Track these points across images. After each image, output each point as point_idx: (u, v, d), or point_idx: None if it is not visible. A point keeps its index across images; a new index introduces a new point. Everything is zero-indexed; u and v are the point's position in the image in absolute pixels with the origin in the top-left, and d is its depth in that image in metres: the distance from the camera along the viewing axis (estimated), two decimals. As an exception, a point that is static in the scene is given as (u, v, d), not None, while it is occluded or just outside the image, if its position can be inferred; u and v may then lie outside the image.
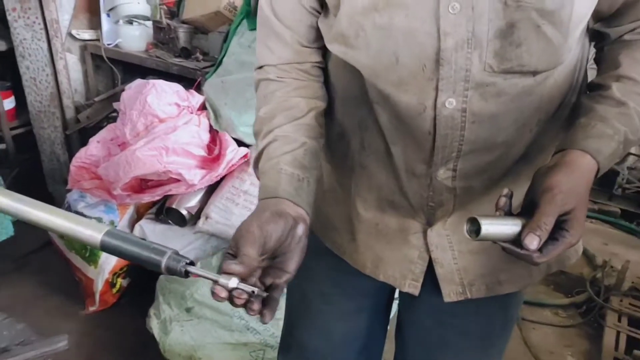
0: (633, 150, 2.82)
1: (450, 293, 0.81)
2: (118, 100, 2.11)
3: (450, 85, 0.65)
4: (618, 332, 1.90)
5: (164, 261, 0.56)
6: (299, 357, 1.01)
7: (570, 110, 0.75)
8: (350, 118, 0.78)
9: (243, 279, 0.57)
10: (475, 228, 0.60)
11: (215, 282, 0.56)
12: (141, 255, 0.58)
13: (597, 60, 0.75)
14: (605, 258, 2.34)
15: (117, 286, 1.97)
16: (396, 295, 0.99)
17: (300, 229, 0.63)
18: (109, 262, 1.88)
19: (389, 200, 0.79)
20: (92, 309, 1.98)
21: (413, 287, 0.82)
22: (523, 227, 0.59)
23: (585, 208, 0.62)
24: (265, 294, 0.58)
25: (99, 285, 1.91)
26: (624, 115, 0.65)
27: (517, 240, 0.60)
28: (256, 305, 0.56)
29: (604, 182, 3.01)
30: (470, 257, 0.79)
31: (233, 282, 0.55)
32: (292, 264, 0.62)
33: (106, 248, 0.59)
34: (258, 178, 0.72)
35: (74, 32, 2.40)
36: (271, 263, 0.62)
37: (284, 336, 1.06)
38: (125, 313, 1.98)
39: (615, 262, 2.30)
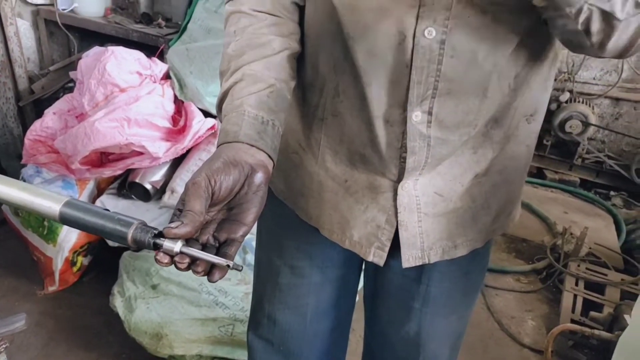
0: (593, 120, 2.91)
1: (409, 258, 0.80)
2: (74, 69, 2.00)
3: (432, 13, 0.63)
4: (575, 296, 1.99)
5: (130, 233, 0.52)
6: (269, 333, 0.99)
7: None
8: (325, 61, 0.75)
9: (191, 237, 0.53)
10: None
11: (160, 246, 0.52)
12: (105, 227, 0.53)
13: None
14: (565, 226, 2.42)
15: (78, 265, 1.89)
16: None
17: (259, 178, 0.59)
18: (68, 240, 1.81)
19: (361, 154, 0.76)
20: (51, 288, 1.90)
21: (378, 256, 0.81)
22: None
23: None
24: (212, 259, 0.52)
25: (59, 264, 1.84)
26: None
27: None
28: (200, 267, 0.53)
29: (565, 153, 3.10)
30: (433, 220, 0.79)
31: (177, 246, 0.52)
32: (249, 215, 0.58)
33: (66, 220, 0.55)
34: (221, 122, 0.68)
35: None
36: (227, 215, 0.58)
37: (253, 311, 1.04)
38: (87, 292, 1.92)
39: (575, 230, 2.39)
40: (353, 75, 0.71)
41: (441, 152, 0.74)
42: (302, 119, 0.82)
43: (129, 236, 0.52)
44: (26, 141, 1.82)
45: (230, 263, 0.51)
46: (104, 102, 1.71)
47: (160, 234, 0.53)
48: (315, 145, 0.81)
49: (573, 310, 1.91)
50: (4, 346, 0.61)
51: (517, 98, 0.73)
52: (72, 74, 1.99)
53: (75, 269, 1.89)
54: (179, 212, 0.54)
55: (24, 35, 2.29)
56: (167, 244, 0.52)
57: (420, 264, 0.80)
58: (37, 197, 0.56)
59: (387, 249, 0.80)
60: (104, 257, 1.91)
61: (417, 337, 0.90)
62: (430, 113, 0.70)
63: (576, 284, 2.06)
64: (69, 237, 1.80)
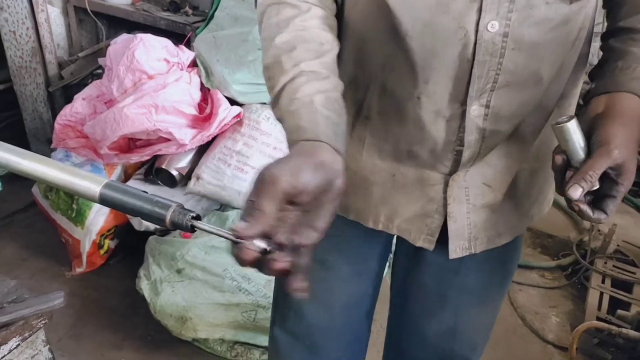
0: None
1: (456, 249, 0.80)
2: (103, 56, 2.02)
3: (495, 6, 0.62)
4: (601, 293, 1.95)
5: (168, 215, 0.53)
6: (296, 326, 0.98)
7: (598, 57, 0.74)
8: (373, 59, 0.72)
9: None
10: (563, 120, 0.62)
11: (233, 241, 0.49)
12: (143, 208, 0.54)
13: (611, 5, 0.73)
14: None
15: (105, 247, 1.93)
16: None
17: (339, 184, 0.54)
18: (96, 223, 1.85)
19: (408, 150, 0.75)
20: (79, 270, 1.95)
21: (428, 241, 0.80)
22: (582, 162, 0.61)
23: (636, 156, 0.62)
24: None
25: (86, 247, 1.88)
26: None
27: (567, 164, 0.62)
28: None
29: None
30: (480, 211, 0.79)
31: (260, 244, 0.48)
32: (323, 222, 0.52)
33: (106, 201, 0.56)
34: (278, 119, 0.64)
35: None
36: (298, 218, 0.52)
37: (277, 304, 1.02)
38: (113, 274, 1.96)
39: (602, 226, 2.34)
40: (405, 72, 0.69)
41: (493, 143, 0.74)
42: (348, 110, 0.80)
43: (167, 218, 0.53)
44: (56, 126, 1.86)
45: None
46: (132, 88, 1.73)
47: (198, 217, 0.54)
48: (358, 141, 0.79)
49: (599, 308, 1.88)
50: (43, 322, 0.63)
51: (562, 83, 0.73)
52: (100, 61, 2.02)
53: (102, 251, 1.93)
54: (251, 202, 0.50)
55: (54, 22, 2.33)
56: (200, 225, 0.53)
57: (467, 254, 0.80)
58: (77, 178, 0.57)
59: (436, 235, 0.79)
60: (130, 240, 1.95)
61: (453, 327, 0.90)
62: (487, 106, 0.69)
63: (602, 282, 2.02)
64: (97, 220, 1.84)
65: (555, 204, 2.61)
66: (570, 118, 0.61)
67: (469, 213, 0.78)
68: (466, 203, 0.77)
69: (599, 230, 2.30)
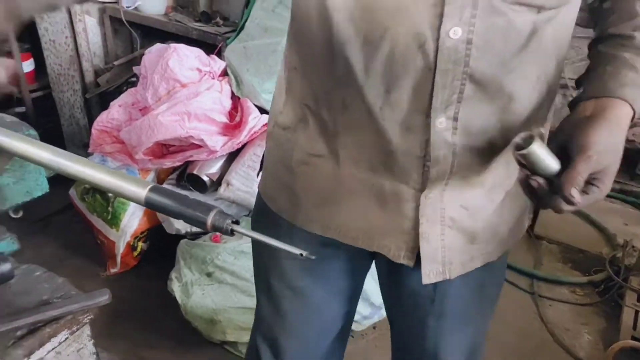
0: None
1: (429, 273, 0.76)
2: (137, 64, 2.10)
3: (457, 11, 0.59)
4: (637, 312, 1.90)
5: (209, 218, 0.56)
6: (275, 356, 0.97)
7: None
8: (325, 79, 0.70)
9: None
10: (522, 143, 0.60)
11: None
12: (186, 211, 0.58)
13: (599, 14, 0.71)
14: (626, 238, 2.32)
15: (138, 249, 2.00)
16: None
17: None
18: (130, 226, 1.91)
19: (382, 161, 0.72)
20: (113, 271, 2.02)
21: (408, 258, 0.77)
22: (559, 172, 0.60)
23: (619, 162, 0.61)
24: (283, 247, 0.56)
25: (121, 248, 1.95)
26: None
27: (547, 180, 0.61)
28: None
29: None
30: (456, 234, 0.75)
31: None
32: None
33: (151, 204, 0.59)
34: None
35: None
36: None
37: (256, 334, 1.00)
38: (145, 276, 2.02)
39: (636, 243, 2.27)
40: (365, 82, 0.66)
41: (469, 161, 0.70)
42: (313, 130, 0.76)
43: (209, 221, 0.56)
44: (93, 131, 1.93)
45: (304, 252, 0.54)
46: (166, 96, 1.79)
47: (237, 222, 0.57)
48: (334, 157, 0.75)
49: (634, 327, 1.83)
50: (89, 317, 0.67)
51: (546, 96, 0.70)
52: (135, 69, 2.09)
53: (135, 253, 1.99)
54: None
55: (90, 31, 2.43)
56: (240, 230, 0.56)
57: (441, 279, 0.77)
58: (124, 181, 0.61)
59: (415, 252, 0.76)
60: (161, 243, 2.01)
61: (435, 351, 0.88)
62: (455, 119, 0.65)
63: (638, 300, 1.97)
64: (131, 222, 1.91)
65: (586, 219, 2.56)
66: (529, 139, 0.59)
67: (443, 235, 0.74)
68: (440, 224, 0.73)
69: (633, 247, 2.24)
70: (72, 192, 2.08)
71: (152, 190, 0.59)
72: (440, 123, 0.66)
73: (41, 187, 0.82)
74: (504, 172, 0.73)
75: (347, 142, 0.73)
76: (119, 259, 1.98)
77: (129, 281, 1.99)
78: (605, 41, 0.68)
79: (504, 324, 1.88)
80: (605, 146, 0.60)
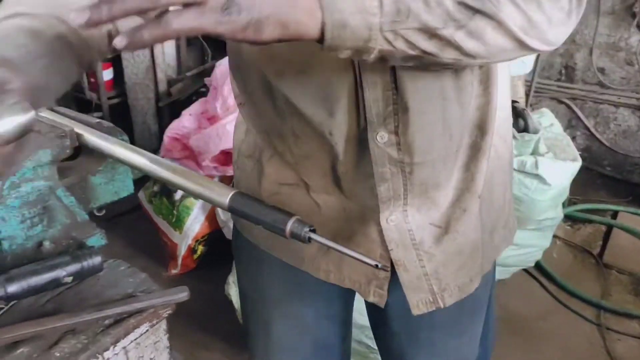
0: None
1: (418, 303, 0.73)
2: (207, 76, 2.21)
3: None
4: None
5: (288, 226, 0.59)
6: None
7: None
8: (270, 113, 0.70)
9: None
10: None
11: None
12: (266, 218, 0.61)
13: None
14: None
15: (198, 252, 2.08)
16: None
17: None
18: (193, 229, 2.00)
19: (345, 183, 0.70)
20: (174, 271, 2.11)
21: (378, 295, 0.75)
22: None
23: None
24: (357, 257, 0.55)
25: (182, 250, 2.04)
26: None
27: None
28: None
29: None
30: (441, 257, 0.71)
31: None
32: None
33: (233, 209, 0.63)
34: None
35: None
36: None
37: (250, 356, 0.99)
38: (203, 278, 2.09)
39: None
40: (309, 110, 0.66)
41: (424, 177, 0.67)
42: (277, 159, 0.76)
43: (288, 229, 0.59)
44: (165, 138, 2.04)
45: (379, 263, 0.55)
46: (235, 107, 1.87)
47: (314, 230, 0.59)
48: (303, 186, 0.75)
49: None
50: (168, 312, 0.71)
51: (492, 96, 0.67)
52: (206, 80, 2.20)
53: (195, 256, 2.08)
54: None
55: (167, 43, 2.58)
56: (317, 238, 0.58)
57: (434, 309, 0.73)
58: (210, 187, 0.65)
59: (386, 287, 0.74)
60: (220, 248, 2.08)
61: None
62: (397, 133, 0.64)
63: None
64: (194, 226, 1.99)
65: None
66: None
67: (421, 261, 0.70)
68: (414, 249, 0.70)
69: None
70: (141, 194, 2.20)
71: (235, 196, 0.63)
72: (382, 137, 0.64)
73: (127, 188, 0.89)
74: (464, 175, 0.70)
75: (307, 168, 0.72)
76: (180, 261, 2.07)
77: (188, 283, 2.04)
78: None
79: (566, 354, 1.79)
80: None
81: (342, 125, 0.65)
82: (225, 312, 1.84)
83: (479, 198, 0.72)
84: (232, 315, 1.75)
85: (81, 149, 0.78)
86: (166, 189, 2.03)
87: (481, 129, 0.68)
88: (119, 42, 0.44)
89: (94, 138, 0.75)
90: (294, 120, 0.68)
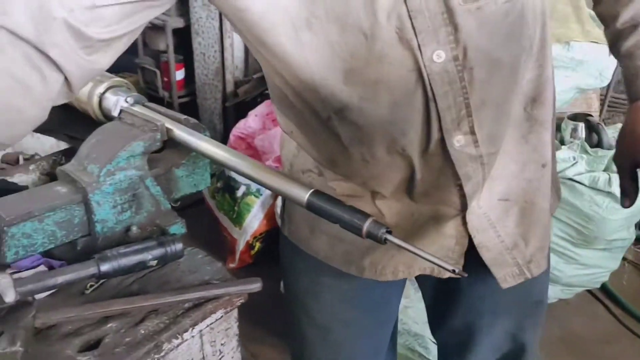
0: None
1: (505, 277, 0.75)
2: (274, 78, 2.27)
3: (431, 35, 0.58)
4: None
5: (365, 226, 0.61)
6: None
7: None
8: (332, 145, 0.70)
9: None
10: None
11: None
12: (344, 217, 0.63)
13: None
14: None
15: (256, 249, 2.14)
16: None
17: None
18: (252, 226, 2.06)
19: (420, 191, 0.72)
20: (231, 265, 2.18)
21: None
22: None
23: None
24: (433, 260, 0.60)
25: (241, 245, 2.10)
26: None
27: None
28: None
29: None
30: (518, 230, 0.74)
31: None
32: None
33: (311, 207, 0.66)
34: None
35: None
36: None
37: None
38: (259, 274, 2.12)
39: None
40: (379, 135, 0.66)
41: (496, 162, 0.71)
42: (338, 177, 0.76)
43: (364, 228, 0.61)
44: (231, 137, 2.12)
45: (456, 269, 0.56)
46: (300, 109, 1.92)
47: (390, 232, 0.61)
48: (368, 193, 0.75)
49: None
50: (240, 301, 0.75)
51: (546, 68, 0.69)
52: (273, 83, 2.26)
53: (252, 252, 2.14)
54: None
55: (236, 46, 2.67)
56: (394, 239, 0.60)
57: (522, 280, 0.76)
58: (290, 184, 0.69)
59: (462, 261, 0.75)
60: (275, 245, 2.13)
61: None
62: (472, 132, 0.65)
63: None
64: (253, 223, 2.05)
65: None
66: None
67: (499, 236, 0.73)
68: (492, 229, 0.73)
69: None
70: (205, 189, 2.29)
71: (313, 194, 0.66)
72: (458, 141, 0.65)
73: (205, 182, 0.94)
74: (523, 148, 0.72)
75: (377, 184, 0.73)
76: (237, 256, 2.13)
77: (244, 277, 2.13)
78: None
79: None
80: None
81: (415, 140, 0.66)
82: (278, 307, 1.88)
83: (543, 167, 0.74)
84: (283, 310, 1.78)
85: (167, 143, 0.84)
86: (229, 186, 2.11)
87: (535, 100, 0.71)
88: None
89: (182, 133, 0.81)
90: (363, 149, 0.68)
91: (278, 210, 1.93)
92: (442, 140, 0.65)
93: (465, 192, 0.70)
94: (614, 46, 0.74)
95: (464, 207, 0.72)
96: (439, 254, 0.75)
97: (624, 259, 2.01)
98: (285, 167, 0.85)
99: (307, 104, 0.66)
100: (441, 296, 0.91)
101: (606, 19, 0.71)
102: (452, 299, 0.88)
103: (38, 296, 0.70)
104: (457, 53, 0.60)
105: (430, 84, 0.61)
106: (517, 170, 0.73)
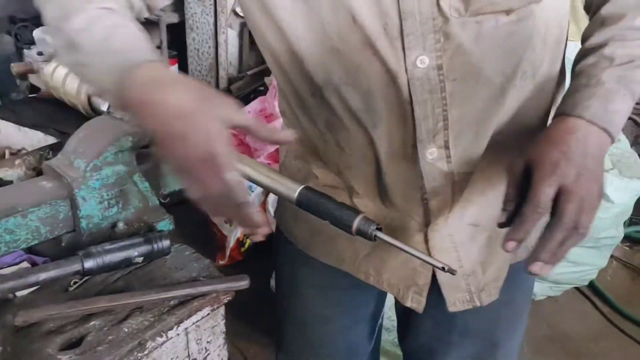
0: None
1: (455, 302, 0.74)
2: (267, 75, 2.26)
3: (419, 40, 0.57)
4: None
5: (355, 222, 0.60)
6: None
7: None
8: (313, 124, 0.70)
9: None
10: None
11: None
12: (334, 213, 0.62)
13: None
14: None
15: (246, 246, 2.13)
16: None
17: None
18: (243, 223, 2.04)
19: (386, 195, 0.71)
20: (221, 262, 2.16)
21: (416, 301, 0.75)
22: None
23: (593, 180, 0.54)
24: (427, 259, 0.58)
25: (231, 242, 2.09)
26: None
27: None
28: None
29: None
30: (479, 257, 0.72)
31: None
32: None
33: (301, 204, 0.65)
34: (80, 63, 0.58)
35: (237, 9, 2.59)
36: None
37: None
38: (248, 271, 2.10)
39: None
40: (352, 123, 0.66)
41: (470, 186, 0.68)
42: (322, 164, 0.77)
43: (354, 225, 0.60)
44: (223, 133, 2.10)
45: (446, 266, 0.55)
46: (293, 106, 1.91)
47: (380, 229, 0.60)
48: (347, 186, 0.75)
49: None
50: (227, 298, 0.74)
51: (551, 102, 0.68)
52: (266, 79, 2.25)
53: (243, 249, 2.12)
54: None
55: (230, 43, 2.66)
56: (384, 237, 0.59)
57: (471, 307, 0.74)
58: (280, 180, 0.67)
59: (425, 293, 0.74)
60: (266, 243, 2.11)
61: None
62: (447, 147, 0.64)
63: None
64: (244, 221, 2.04)
65: None
66: None
67: (460, 262, 0.71)
68: (454, 252, 0.71)
69: None
70: (195, 185, 2.27)
71: (303, 190, 0.65)
72: (431, 154, 0.64)
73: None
74: (501, 173, 0.68)
75: (352, 177, 0.73)
76: (227, 253, 2.12)
77: (234, 274, 2.11)
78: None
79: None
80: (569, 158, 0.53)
81: (383, 136, 0.65)
82: (267, 305, 1.87)
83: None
84: (272, 307, 1.77)
85: (156, 138, 0.82)
86: (220, 183, 2.09)
87: (517, 123, 0.68)
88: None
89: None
90: (338, 135, 0.69)
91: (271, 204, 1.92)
92: (415, 148, 0.64)
93: (430, 208, 0.69)
94: (576, 63, 0.69)
95: (427, 223, 0.71)
96: (406, 275, 0.74)
97: (612, 256, 2.03)
98: (282, 154, 0.86)
99: (291, 82, 0.67)
100: (407, 310, 0.88)
101: (582, 39, 0.68)
102: (418, 315, 0.84)
103: (20, 293, 0.68)
104: (442, 62, 0.59)
105: (409, 88, 0.60)
106: (494, 198, 0.67)
